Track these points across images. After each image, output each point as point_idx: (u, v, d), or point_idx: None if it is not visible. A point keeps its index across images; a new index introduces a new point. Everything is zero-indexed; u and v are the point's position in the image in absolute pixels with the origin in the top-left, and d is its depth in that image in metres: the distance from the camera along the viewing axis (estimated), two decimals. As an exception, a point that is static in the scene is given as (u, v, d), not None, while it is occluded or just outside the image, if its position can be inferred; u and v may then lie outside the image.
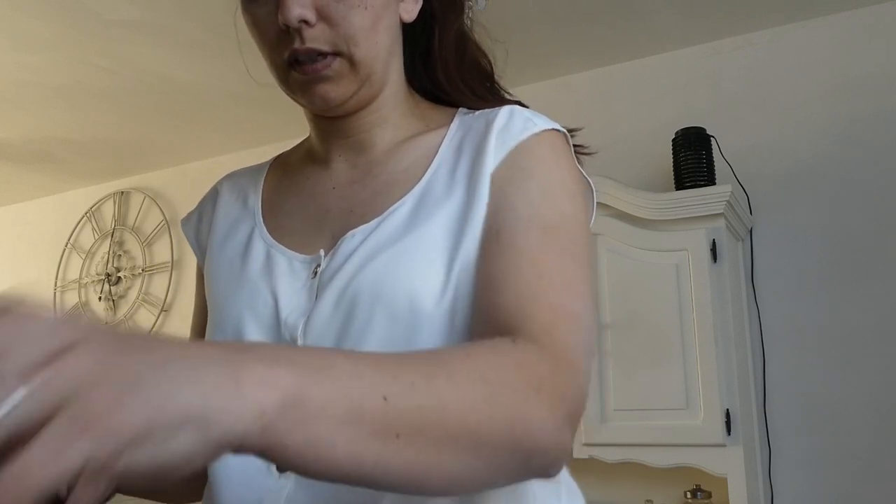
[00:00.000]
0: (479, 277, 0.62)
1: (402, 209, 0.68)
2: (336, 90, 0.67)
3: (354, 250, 0.66)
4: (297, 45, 0.65)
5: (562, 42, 2.52)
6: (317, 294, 0.66)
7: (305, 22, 0.64)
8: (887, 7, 2.28)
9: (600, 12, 2.33)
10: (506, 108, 0.72)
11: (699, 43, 2.52)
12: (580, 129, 0.76)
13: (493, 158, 0.67)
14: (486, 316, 0.59)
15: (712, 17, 2.37)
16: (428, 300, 0.62)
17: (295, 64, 0.66)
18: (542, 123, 0.69)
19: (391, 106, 0.74)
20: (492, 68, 0.81)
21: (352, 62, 0.66)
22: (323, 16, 0.65)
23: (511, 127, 0.69)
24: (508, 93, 0.81)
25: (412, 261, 0.63)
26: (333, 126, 0.74)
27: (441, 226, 0.65)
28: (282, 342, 0.65)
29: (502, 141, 0.68)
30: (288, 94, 0.70)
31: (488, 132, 0.69)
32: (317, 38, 0.65)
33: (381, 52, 0.68)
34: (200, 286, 0.81)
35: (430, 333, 0.61)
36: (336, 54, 0.66)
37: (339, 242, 0.68)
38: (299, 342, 0.64)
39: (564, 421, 0.52)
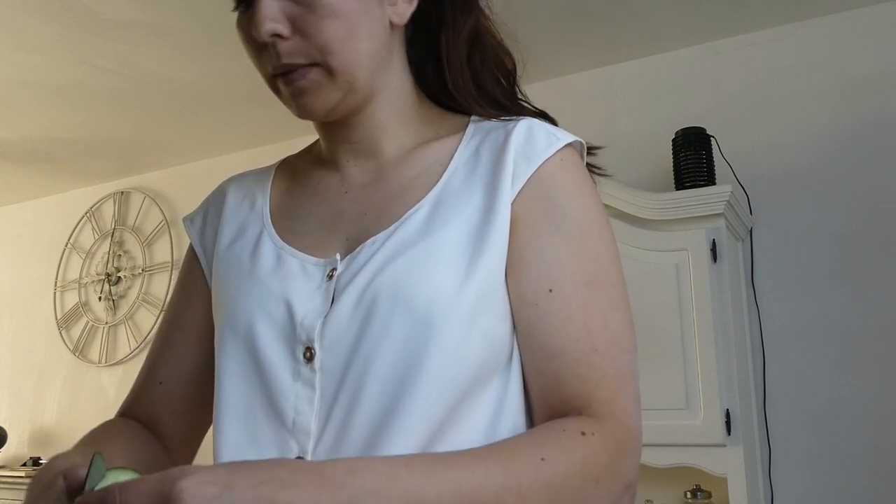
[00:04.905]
0: (533, 336, 0.65)
1: (418, 213, 0.68)
2: (317, 100, 0.67)
3: (373, 254, 0.66)
4: (273, 60, 0.65)
5: (562, 42, 2.52)
6: (333, 296, 0.65)
7: (279, 36, 0.64)
8: (887, 7, 2.28)
9: (600, 12, 2.33)
10: (524, 122, 0.71)
11: (699, 43, 2.52)
12: (600, 148, 0.77)
13: (512, 174, 0.68)
14: (546, 383, 0.64)
15: (712, 17, 2.37)
16: (446, 303, 0.62)
17: (278, 75, 0.67)
18: (563, 137, 0.70)
19: (389, 112, 0.73)
20: (514, 75, 0.79)
21: (329, 71, 0.66)
22: (296, 28, 0.65)
23: (534, 143, 0.69)
24: (530, 103, 0.79)
25: (431, 264, 0.64)
26: (336, 131, 0.74)
27: (460, 230, 0.66)
28: (297, 343, 0.65)
29: (526, 157, 0.68)
30: (283, 103, 0.71)
31: (507, 145, 0.69)
32: (292, 51, 0.65)
33: (363, 59, 0.67)
34: (190, 280, 0.80)
35: (449, 336, 0.61)
36: (312, 65, 0.66)
37: (359, 248, 0.67)
38: (316, 343, 0.64)
39: (622, 495, 0.60)
